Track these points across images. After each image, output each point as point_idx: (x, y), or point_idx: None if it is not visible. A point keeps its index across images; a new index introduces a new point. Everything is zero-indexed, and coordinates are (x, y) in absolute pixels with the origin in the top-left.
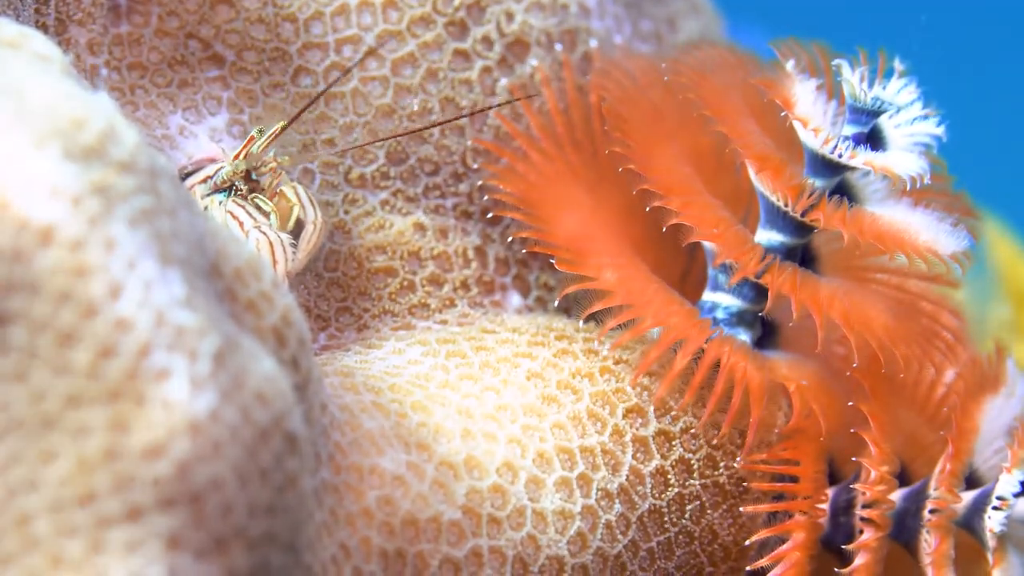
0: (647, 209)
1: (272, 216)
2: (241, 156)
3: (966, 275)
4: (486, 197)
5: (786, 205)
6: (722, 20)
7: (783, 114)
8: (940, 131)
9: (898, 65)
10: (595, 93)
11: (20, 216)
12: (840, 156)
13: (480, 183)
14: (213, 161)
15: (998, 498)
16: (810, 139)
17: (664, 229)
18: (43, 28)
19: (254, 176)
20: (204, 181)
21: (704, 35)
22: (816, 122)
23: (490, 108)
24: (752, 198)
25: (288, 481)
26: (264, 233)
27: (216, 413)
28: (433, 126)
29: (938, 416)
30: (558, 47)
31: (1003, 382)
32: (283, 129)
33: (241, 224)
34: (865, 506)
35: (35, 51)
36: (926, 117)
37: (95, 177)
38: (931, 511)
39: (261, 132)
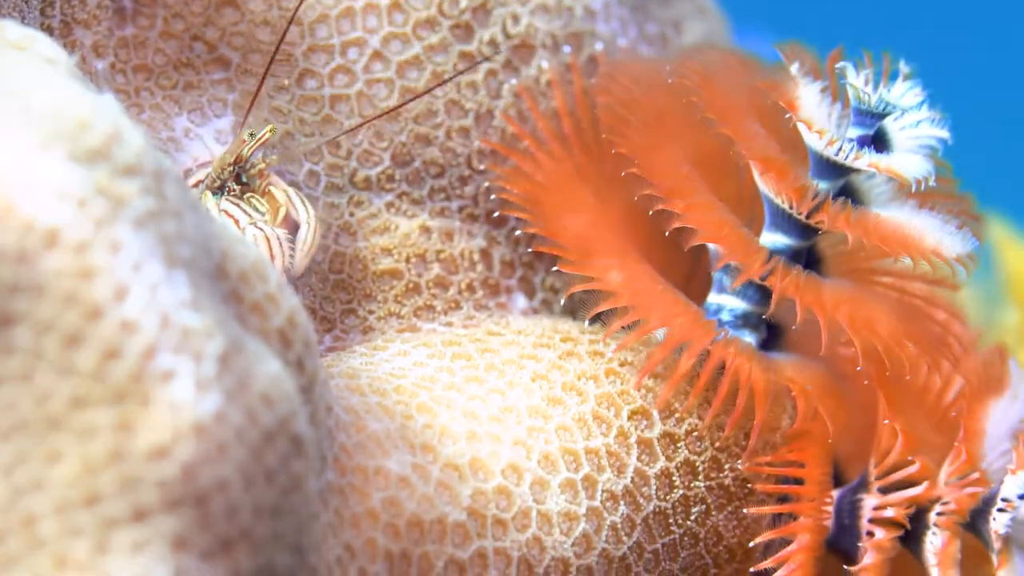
0: (650, 213)
1: (267, 216)
2: (231, 156)
3: (973, 278)
4: (492, 197)
5: (790, 207)
6: (728, 23)
7: (788, 116)
8: (946, 134)
9: (903, 67)
10: (600, 96)
11: (25, 218)
12: (845, 158)
13: (486, 184)
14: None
15: (1003, 500)
16: (814, 141)
17: (667, 233)
18: (48, 30)
19: (244, 179)
20: (197, 185)
21: (710, 38)
22: (820, 124)
23: (456, 77)
24: (757, 201)
25: (293, 483)
26: (260, 229)
27: (221, 415)
28: (405, 103)
29: (946, 420)
30: (566, 49)
31: (1007, 384)
32: (272, 131)
33: (237, 222)
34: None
35: (41, 53)
36: (932, 119)
37: (101, 179)
38: (939, 513)
39: (252, 135)
